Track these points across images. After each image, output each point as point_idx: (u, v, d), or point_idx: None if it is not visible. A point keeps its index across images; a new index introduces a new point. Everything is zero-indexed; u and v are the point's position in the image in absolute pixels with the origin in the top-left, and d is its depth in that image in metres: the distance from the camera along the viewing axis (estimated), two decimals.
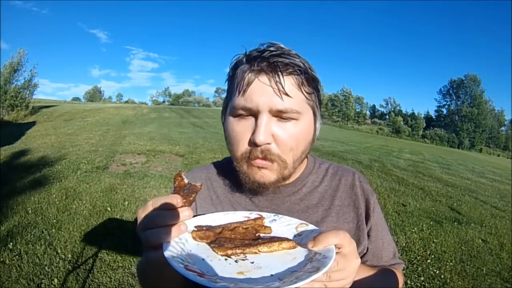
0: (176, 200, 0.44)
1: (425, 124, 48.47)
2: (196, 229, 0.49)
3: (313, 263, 0.40)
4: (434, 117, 52.99)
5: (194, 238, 0.47)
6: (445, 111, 51.69)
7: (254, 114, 0.55)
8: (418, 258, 3.10)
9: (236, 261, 0.42)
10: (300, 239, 0.47)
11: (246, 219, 0.54)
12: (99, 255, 2.62)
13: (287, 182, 0.65)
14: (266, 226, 0.52)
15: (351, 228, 0.65)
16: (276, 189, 0.65)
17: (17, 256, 2.50)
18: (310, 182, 0.68)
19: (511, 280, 2.83)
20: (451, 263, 3.03)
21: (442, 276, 2.76)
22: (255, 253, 0.44)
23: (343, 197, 0.66)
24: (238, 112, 0.56)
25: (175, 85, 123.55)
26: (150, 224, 0.43)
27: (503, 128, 52.44)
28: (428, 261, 3.04)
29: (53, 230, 3.00)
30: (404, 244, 3.37)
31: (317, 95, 0.61)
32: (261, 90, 0.54)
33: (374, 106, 56.54)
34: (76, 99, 69.38)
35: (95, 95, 69.34)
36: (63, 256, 2.56)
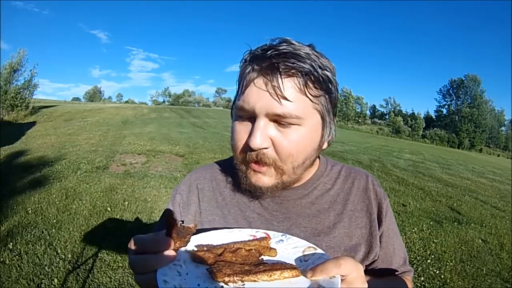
0: (169, 242, 0.41)
1: (425, 124, 48.45)
2: (196, 249, 0.47)
3: None
4: (434, 117, 52.94)
5: (193, 259, 0.45)
6: (445, 111, 51.65)
7: (252, 117, 0.53)
8: (418, 258, 3.10)
9: None
10: (306, 265, 0.44)
11: (252, 238, 0.52)
12: (99, 255, 2.62)
13: (297, 184, 0.63)
14: (271, 248, 0.49)
15: (363, 234, 0.62)
16: (285, 192, 0.62)
17: (17, 256, 2.50)
18: (322, 184, 0.65)
19: (511, 280, 2.83)
20: (451, 263, 3.03)
21: (442, 276, 2.76)
22: (254, 281, 0.41)
23: (356, 201, 0.64)
24: (239, 113, 0.55)
25: (175, 85, 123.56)
26: (142, 269, 0.41)
27: (503, 128, 52.40)
28: (428, 261, 3.04)
29: (53, 230, 3.00)
30: (404, 244, 3.37)
31: (329, 97, 0.56)
32: (258, 94, 0.51)
33: (374, 106, 56.62)
34: (76, 99, 69.31)
35: (95, 95, 69.29)
36: (63, 256, 2.56)
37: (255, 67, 0.52)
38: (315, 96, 0.53)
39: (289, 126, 0.52)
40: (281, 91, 0.50)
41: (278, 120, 0.52)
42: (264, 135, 0.51)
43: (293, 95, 0.51)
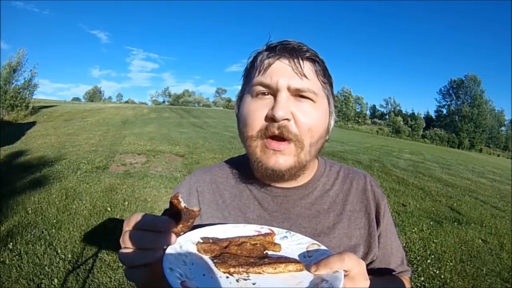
0: (170, 223, 0.40)
1: (425, 124, 48.41)
2: (202, 241, 0.48)
3: None
4: (434, 117, 52.86)
5: (198, 250, 0.46)
6: (445, 111, 51.55)
7: (273, 92, 0.56)
8: (418, 258, 3.10)
9: (237, 281, 0.40)
10: (310, 261, 0.45)
11: (257, 233, 0.52)
12: (99, 255, 2.62)
13: (298, 184, 0.64)
14: (275, 244, 0.50)
15: (362, 234, 0.63)
16: (286, 191, 0.63)
17: (17, 256, 2.50)
18: (321, 185, 0.66)
19: (511, 280, 2.83)
20: (451, 263, 3.03)
21: (442, 276, 2.76)
22: (259, 273, 0.42)
23: (354, 201, 0.65)
24: (257, 89, 0.57)
25: (175, 85, 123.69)
26: (138, 245, 0.40)
27: (503, 128, 52.29)
28: (428, 261, 3.04)
29: (53, 230, 3.00)
30: (404, 244, 3.37)
31: (331, 88, 0.62)
32: (281, 70, 0.56)
33: (374, 106, 56.56)
34: (76, 99, 69.32)
35: (95, 95, 69.29)
36: (63, 256, 2.56)
37: (275, 52, 0.57)
38: (324, 82, 0.59)
39: (306, 101, 0.56)
40: (301, 68, 0.56)
41: (297, 94, 0.56)
42: (287, 107, 0.54)
43: (310, 75, 0.57)
